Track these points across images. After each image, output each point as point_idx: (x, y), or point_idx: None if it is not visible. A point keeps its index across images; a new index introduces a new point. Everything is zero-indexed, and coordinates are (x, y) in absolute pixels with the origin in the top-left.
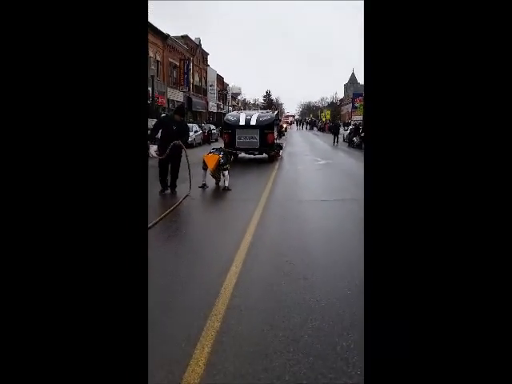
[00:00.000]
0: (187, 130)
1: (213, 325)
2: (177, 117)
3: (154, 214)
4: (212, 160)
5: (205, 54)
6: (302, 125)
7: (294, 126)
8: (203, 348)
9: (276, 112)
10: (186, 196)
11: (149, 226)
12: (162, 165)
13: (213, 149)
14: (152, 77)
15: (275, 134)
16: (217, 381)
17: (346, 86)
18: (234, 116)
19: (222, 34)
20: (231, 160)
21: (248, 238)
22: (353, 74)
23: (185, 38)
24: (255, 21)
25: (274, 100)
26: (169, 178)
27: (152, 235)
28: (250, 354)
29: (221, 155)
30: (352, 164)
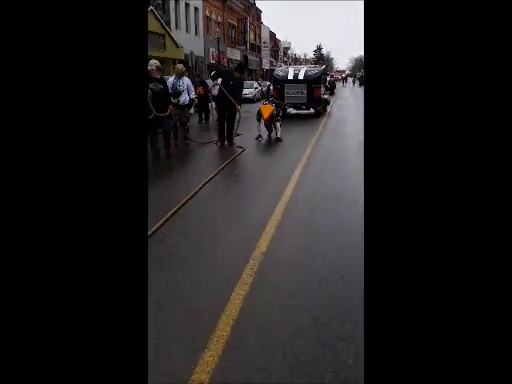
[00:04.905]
0: (242, 87)
1: (287, 194)
2: (236, 74)
3: (221, 161)
4: (267, 109)
5: (259, 12)
6: (352, 81)
7: (340, 82)
8: (281, 205)
9: (324, 66)
10: (243, 150)
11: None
12: (220, 120)
13: (266, 101)
14: (218, 39)
15: (322, 88)
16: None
17: None
18: (282, 71)
19: None
20: (281, 113)
21: (312, 142)
22: None
23: None
24: None
25: (325, 55)
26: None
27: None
28: (301, 205)
29: (273, 106)
30: None
